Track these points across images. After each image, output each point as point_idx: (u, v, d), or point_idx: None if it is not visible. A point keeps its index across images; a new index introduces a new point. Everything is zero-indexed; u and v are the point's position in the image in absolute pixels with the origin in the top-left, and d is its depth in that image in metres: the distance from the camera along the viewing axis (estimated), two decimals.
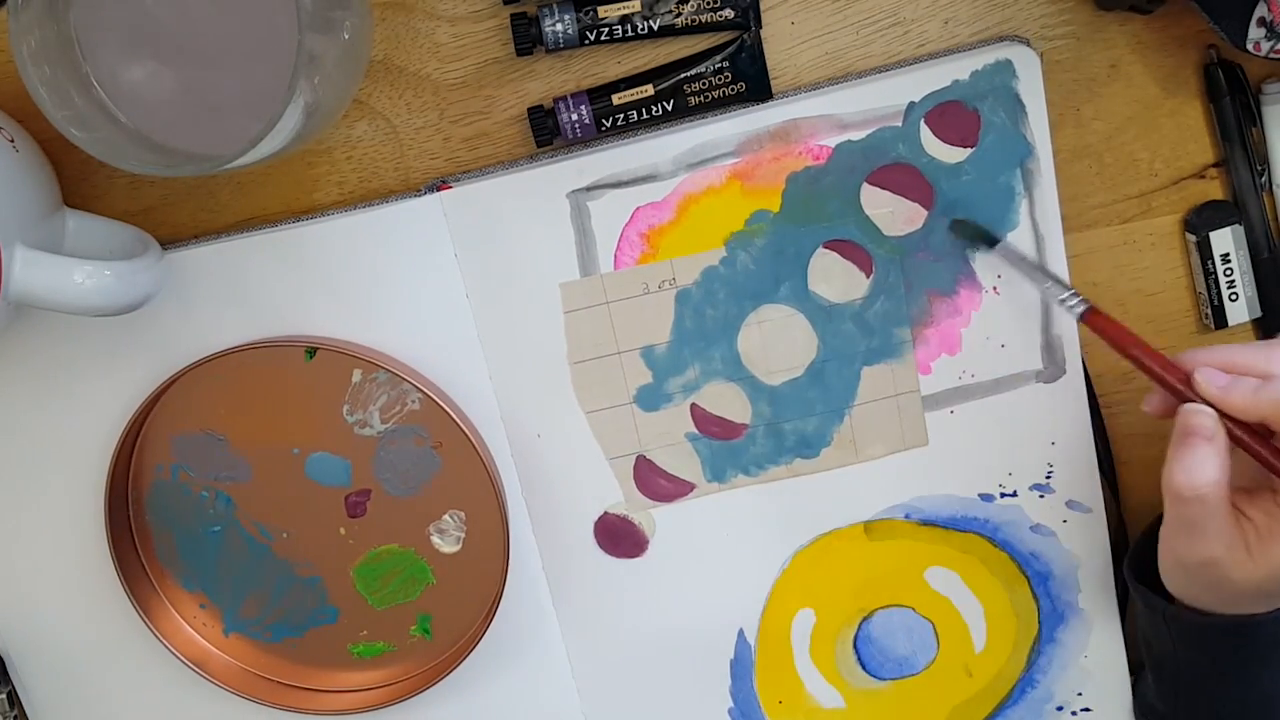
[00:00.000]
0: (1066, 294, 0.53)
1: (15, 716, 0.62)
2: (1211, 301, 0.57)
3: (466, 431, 0.56)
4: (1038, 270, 0.55)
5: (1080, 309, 0.53)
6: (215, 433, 0.58)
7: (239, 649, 0.61)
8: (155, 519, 0.59)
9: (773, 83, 0.55)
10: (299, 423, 0.58)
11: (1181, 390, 0.49)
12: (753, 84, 0.54)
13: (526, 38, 0.53)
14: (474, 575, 0.59)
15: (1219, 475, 0.47)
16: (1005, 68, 0.54)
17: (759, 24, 0.54)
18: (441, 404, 0.55)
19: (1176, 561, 0.50)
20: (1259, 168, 0.56)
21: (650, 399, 0.58)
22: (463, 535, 0.59)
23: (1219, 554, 0.48)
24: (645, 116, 0.54)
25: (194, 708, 0.62)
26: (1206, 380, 0.48)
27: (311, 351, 0.56)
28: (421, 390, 0.55)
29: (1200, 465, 0.47)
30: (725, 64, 0.54)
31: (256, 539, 0.59)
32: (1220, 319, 0.57)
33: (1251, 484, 0.50)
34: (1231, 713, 0.54)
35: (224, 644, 0.61)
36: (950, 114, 0.54)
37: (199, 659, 0.60)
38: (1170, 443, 0.48)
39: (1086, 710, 0.62)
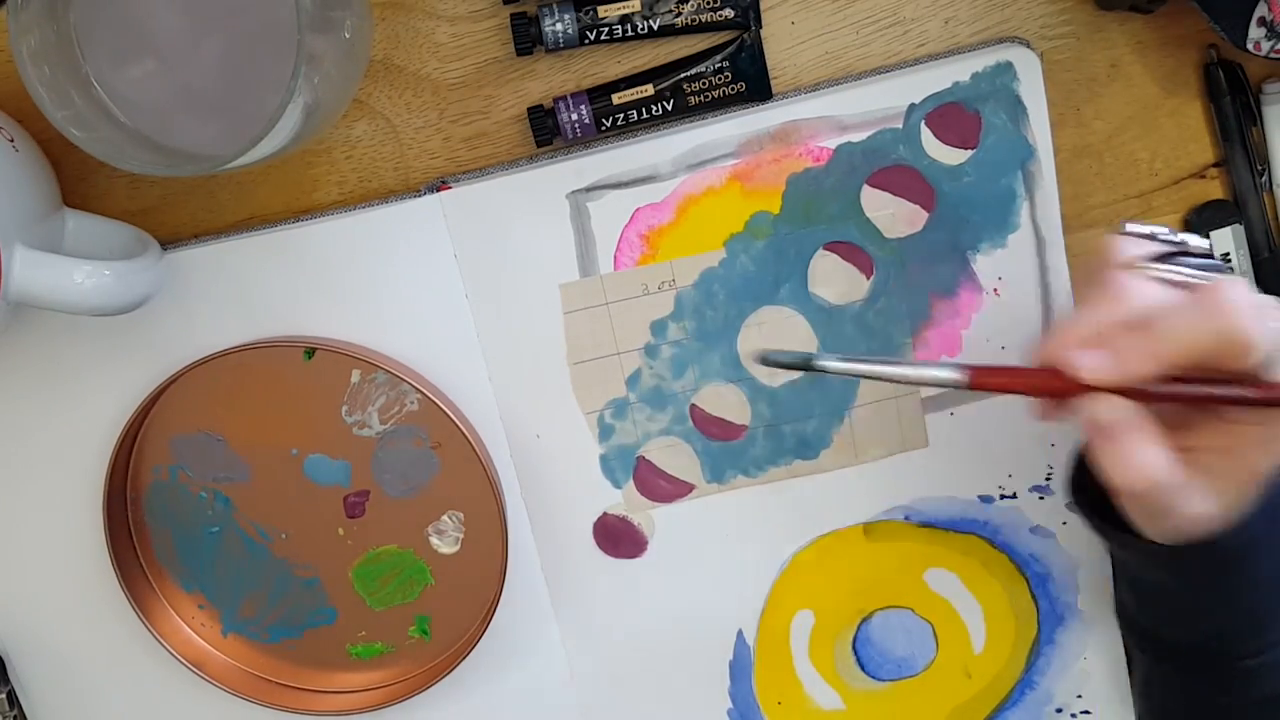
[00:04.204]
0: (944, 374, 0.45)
1: (15, 716, 0.61)
2: None
3: (465, 432, 0.56)
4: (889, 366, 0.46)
5: (965, 379, 0.45)
6: (214, 433, 0.58)
7: (237, 649, 0.61)
8: (154, 519, 0.59)
9: (773, 82, 0.54)
10: (298, 423, 0.57)
11: (1071, 389, 0.43)
12: (753, 84, 0.54)
13: (526, 37, 0.53)
14: (472, 576, 0.59)
15: (1161, 458, 0.42)
16: (1006, 69, 0.54)
17: (759, 24, 0.54)
18: (440, 405, 0.55)
19: (1148, 528, 0.46)
20: (1259, 167, 0.56)
21: (650, 400, 0.58)
22: (461, 536, 0.59)
23: (1195, 513, 0.43)
24: (645, 116, 0.54)
25: (192, 708, 0.61)
26: (1095, 365, 0.42)
27: (310, 352, 0.56)
28: (420, 391, 0.55)
29: (1138, 458, 0.42)
30: (725, 64, 0.54)
31: (255, 540, 0.59)
32: None
33: (1177, 419, 0.44)
34: (1219, 629, 0.49)
35: (222, 644, 0.61)
36: (951, 116, 0.54)
37: (197, 659, 0.60)
38: (1088, 439, 0.43)
39: (1086, 713, 0.62)
